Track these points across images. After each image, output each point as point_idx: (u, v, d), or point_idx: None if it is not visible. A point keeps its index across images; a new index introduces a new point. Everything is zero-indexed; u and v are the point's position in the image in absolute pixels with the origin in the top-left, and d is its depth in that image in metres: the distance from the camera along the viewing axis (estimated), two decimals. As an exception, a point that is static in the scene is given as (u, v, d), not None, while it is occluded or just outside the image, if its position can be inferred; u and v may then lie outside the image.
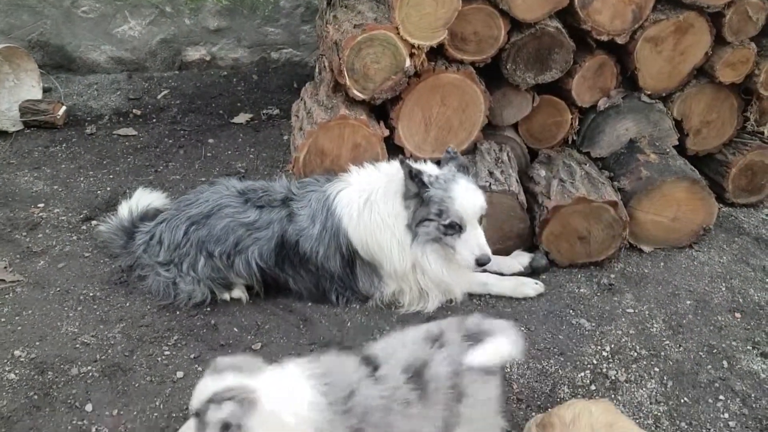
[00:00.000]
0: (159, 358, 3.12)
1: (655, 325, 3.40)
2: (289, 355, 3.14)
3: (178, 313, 3.40)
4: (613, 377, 3.08)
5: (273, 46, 6.15)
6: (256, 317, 3.40)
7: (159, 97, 5.69)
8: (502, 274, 3.66)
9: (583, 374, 3.09)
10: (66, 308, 3.41)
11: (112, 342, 3.21)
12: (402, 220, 3.30)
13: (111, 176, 4.59)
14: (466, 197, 3.16)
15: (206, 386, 2.01)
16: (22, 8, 5.68)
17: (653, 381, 3.07)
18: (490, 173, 3.72)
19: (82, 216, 4.14)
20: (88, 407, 2.84)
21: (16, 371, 3.02)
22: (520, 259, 3.74)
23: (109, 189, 4.43)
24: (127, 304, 3.46)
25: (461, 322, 2.29)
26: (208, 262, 3.42)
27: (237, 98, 5.71)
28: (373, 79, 3.66)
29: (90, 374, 3.02)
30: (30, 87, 5.33)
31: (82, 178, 4.56)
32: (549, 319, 3.42)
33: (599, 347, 3.25)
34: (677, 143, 4.17)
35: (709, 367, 3.16)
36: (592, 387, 3.03)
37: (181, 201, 3.66)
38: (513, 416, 2.85)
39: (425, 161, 3.48)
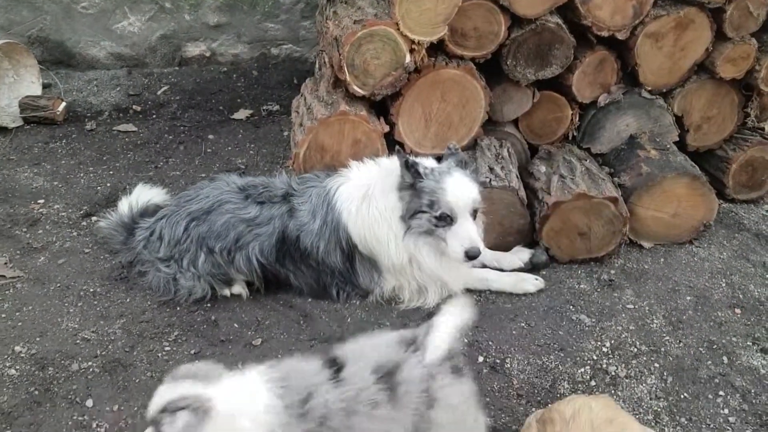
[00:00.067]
0: (159, 354, 3.12)
1: (655, 321, 3.40)
2: (289, 350, 3.15)
3: (178, 308, 3.41)
4: (613, 373, 3.08)
5: (273, 42, 6.14)
6: (257, 313, 3.41)
7: (159, 93, 5.68)
8: (502, 270, 3.66)
9: (583, 370, 3.09)
10: (66, 304, 3.42)
11: (113, 338, 3.21)
12: (398, 212, 3.30)
13: (111, 172, 4.59)
14: (458, 189, 3.16)
15: (162, 395, 2.00)
16: (21, 4, 5.67)
17: (653, 377, 3.07)
18: (491, 169, 3.72)
19: (82, 212, 4.14)
20: (89, 403, 2.85)
21: (17, 367, 3.02)
22: (521, 255, 3.74)
23: (109, 185, 4.43)
24: (128, 300, 3.46)
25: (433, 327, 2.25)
26: (209, 258, 3.42)
27: (237, 94, 5.70)
28: (373, 75, 3.66)
29: (90, 370, 3.02)
30: (30, 83, 5.32)
31: (82, 174, 4.56)
32: (549, 314, 3.42)
33: (599, 343, 3.25)
34: (678, 139, 4.17)
35: (709, 362, 3.17)
36: (592, 383, 3.03)
37: (181, 197, 3.66)
38: (513, 412, 2.86)
39: (426, 157, 3.48)
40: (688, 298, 3.57)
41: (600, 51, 3.93)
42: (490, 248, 3.73)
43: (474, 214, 3.23)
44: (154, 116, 5.35)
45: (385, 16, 3.60)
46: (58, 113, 5.11)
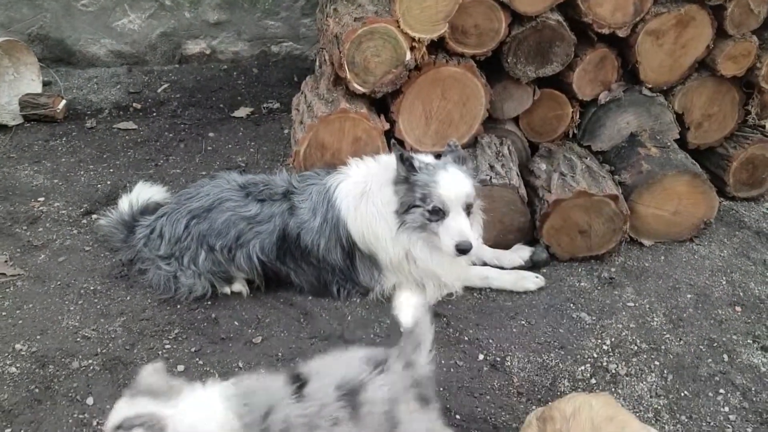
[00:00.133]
0: (160, 352, 3.13)
1: (655, 319, 3.40)
2: (289, 348, 3.15)
3: (178, 306, 3.41)
4: (613, 371, 3.08)
5: (273, 40, 6.13)
6: (257, 311, 3.41)
7: (159, 90, 5.68)
8: (502, 268, 3.66)
9: (583, 368, 3.10)
10: (67, 302, 3.42)
11: (113, 335, 3.21)
12: (394, 207, 3.31)
13: (111, 170, 4.59)
14: (451, 183, 3.16)
15: (119, 411, 2.00)
16: (21, 1, 5.66)
17: (653, 374, 3.07)
18: (491, 167, 3.71)
19: (82, 210, 4.14)
20: (89, 400, 2.85)
21: (17, 365, 3.03)
22: (521, 252, 3.74)
23: (109, 183, 4.43)
24: (128, 298, 3.46)
25: (404, 351, 2.23)
26: (209, 255, 3.42)
27: (237, 92, 5.70)
28: (374, 73, 3.65)
29: (91, 368, 3.03)
30: (30, 80, 5.32)
31: (82, 172, 4.56)
32: (549, 312, 3.42)
33: (600, 341, 3.25)
34: (678, 137, 4.16)
35: (710, 360, 3.17)
36: (593, 380, 3.04)
37: (181, 195, 3.66)
38: (513, 410, 2.86)
39: (426, 154, 3.47)
40: (689, 296, 3.57)
41: (601, 48, 3.92)
42: (491, 246, 3.73)
43: (467, 209, 3.22)
44: (154, 114, 5.35)
45: (385, 14, 3.59)
46: (58, 111, 5.10)
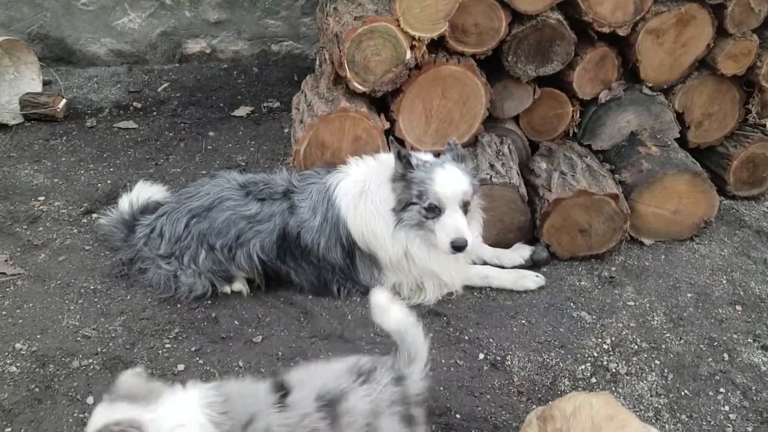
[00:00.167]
0: (160, 351, 3.13)
1: (655, 318, 3.40)
2: (290, 348, 3.15)
3: (179, 306, 3.41)
4: (613, 370, 3.08)
5: (273, 39, 6.13)
6: (257, 310, 3.41)
7: (159, 89, 5.68)
8: (502, 267, 3.66)
9: (583, 367, 3.09)
10: (67, 301, 3.42)
11: (113, 335, 3.21)
12: (392, 204, 3.31)
13: (111, 169, 4.59)
14: (447, 180, 3.16)
15: (97, 418, 1.99)
16: (22, 1, 5.66)
17: (654, 374, 3.07)
18: (491, 166, 3.71)
19: (82, 209, 4.14)
20: (89, 400, 2.85)
21: (18, 364, 3.03)
22: (521, 251, 3.73)
23: (109, 182, 4.43)
24: (128, 297, 3.46)
25: (394, 362, 2.21)
26: (209, 254, 3.42)
27: (237, 91, 5.70)
28: (374, 72, 3.65)
29: (91, 367, 3.03)
30: (30, 80, 5.32)
31: (82, 171, 4.56)
32: (550, 311, 3.42)
33: (600, 340, 3.25)
34: (678, 136, 4.16)
35: (710, 359, 3.16)
36: (593, 379, 3.03)
37: (181, 194, 3.66)
38: (513, 409, 2.86)
39: (425, 152, 3.47)
40: (689, 295, 3.57)
41: (601, 47, 3.92)
42: (491, 245, 3.73)
43: (464, 206, 3.22)
44: (154, 113, 5.35)
45: (385, 13, 3.59)
46: (58, 110, 5.10)
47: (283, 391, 2.12)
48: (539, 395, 2.95)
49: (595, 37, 3.90)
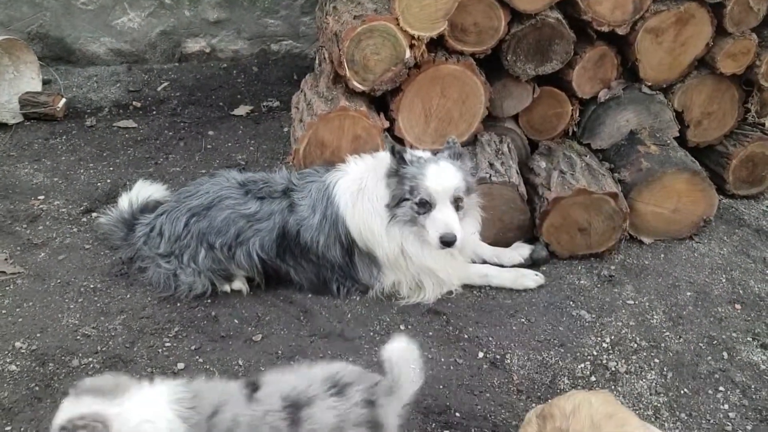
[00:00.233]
0: (160, 350, 3.13)
1: (655, 317, 3.40)
2: (289, 346, 3.15)
3: (178, 304, 3.41)
4: (613, 368, 3.08)
5: (273, 38, 6.13)
6: (257, 309, 3.41)
7: (159, 89, 5.68)
8: (502, 266, 3.66)
9: (583, 365, 3.10)
10: (67, 300, 3.42)
11: (113, 334, 3.21)
12: (386, 201, 3.32)
13: (111, 168, 4.59)
14: (438, 175, 3.17)
15: (62, 412, 1.98)
16: (21, 0, 5.66)
17: (653, 372, 3.08)
18: (491, 165, 3.71)
19: (82, 208, 4.14)
20: (90, 398, 2.84)
21: (17, 363, 3.03)
22: (521, 250, 3.74)
23: (109, 181, 4.43)
24: (128, 296, 3.46)
25: (375, 385, 2.19)
26: (209, 253, 3.42)
27: (237, 90, 5.70)
28: (373, 71, 3.65)
29: (91, 366, 3.03)
30: (30, 79, 5.31)
31: (82, 170, 4.56)
32: (549, 310, 3.42)
33: (599, 339, 3.25)
34: (678, 135, 4.17)
35: (709, 358, 3.17)
36: (592, 378, 3.04)
37: (181, 193, 3.66)
38: (513, 407, 2.86)
39: (423, 151, 3.48)
40: (688, 293, 3.57)
41: (600, 46, 3.92)
42: (491, 244, 3.74)
43: (456, 202, 3.22)
44: (154, 112, 5.35)
45: (384, 12, 3.59)
46: (58, 109, 5.10)
47: (253, 387, 2.14)
48: (539, 394, 2.95)
49: (595, 36, 3.90)
